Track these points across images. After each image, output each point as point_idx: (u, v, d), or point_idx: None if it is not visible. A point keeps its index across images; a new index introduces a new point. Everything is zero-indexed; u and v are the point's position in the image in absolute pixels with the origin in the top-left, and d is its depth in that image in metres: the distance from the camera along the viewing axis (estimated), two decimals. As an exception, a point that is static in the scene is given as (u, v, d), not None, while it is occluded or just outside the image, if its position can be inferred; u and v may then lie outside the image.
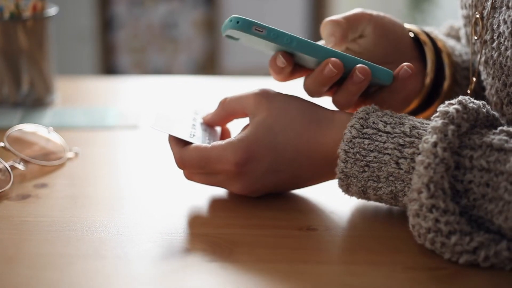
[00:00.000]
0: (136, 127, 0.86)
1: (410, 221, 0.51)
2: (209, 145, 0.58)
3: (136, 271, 0.49)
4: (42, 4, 0.92)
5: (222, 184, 0.59)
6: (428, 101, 0.66)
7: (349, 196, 0.57)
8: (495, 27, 0.58)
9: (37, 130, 0.73)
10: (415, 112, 0.66)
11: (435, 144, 0.49)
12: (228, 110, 0.62)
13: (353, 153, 0.54)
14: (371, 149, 0.54)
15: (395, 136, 0.53)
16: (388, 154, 0.53)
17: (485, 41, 0.59)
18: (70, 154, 0.73)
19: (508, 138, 0.49)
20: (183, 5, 2.94)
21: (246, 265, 0.50)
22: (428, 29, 0.69)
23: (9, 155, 0.67)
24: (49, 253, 0.51)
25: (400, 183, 0.53)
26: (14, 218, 0.57)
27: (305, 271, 0.49)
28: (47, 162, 0.69)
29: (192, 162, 0.58)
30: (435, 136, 0.49)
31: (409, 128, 0.53)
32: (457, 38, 0.74)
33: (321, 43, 0.64)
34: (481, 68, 0.62)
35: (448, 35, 0.75)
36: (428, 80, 0.65)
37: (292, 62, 0.59)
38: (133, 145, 0.81)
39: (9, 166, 0.64)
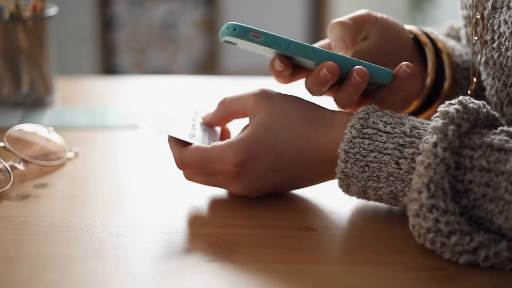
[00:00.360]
0: (136, 127, 0.86)
1: (410, 221, 0.51)
2: (209, 146, 0.58)
3: (136, 271, 0.49)
4: (42, 4, 0.92)
5: (222, 184, 0.59)
6: (429, 101, 0.66)
7: (349, 196, 0.57)
8: (495, 27, 0.58)
9: (37, 130, 0.73)
10: (415, 113, 0.66)
11: (435, 144, 0.49)
12: (228, 110, 0.62)
13: (353, 153, 0.54)
14: (371, 149, 0.54)
15: (395, 136, 0.53)
16: (388, 154, 0.53)
17: (486, 42, 0.59)
18: (70, 154, 0.73)
19: (508, 138, 0.49)
20: (183, 5, 2.94)
21: (246, 265, 0.50)
22: (428, 29, 0.69)
23: (9, 155, 0.67)
24: (49, 253, 0.51)
25: (400, 183, 0.53)
26: (14, 218, 0.57)
27: (305, 271, 0.49)
28: (47, 162, 0.69)
29: (192, 162, 0.58)
30: (435, 136, 0.49)
31: (409, 128, 0.53)
32: (457, 39, 0.74)
33: (318, 44, 0.64)
34: (481, 68, 0.62)
35: (448, 35, 0.75)
36: (428, 80, 0.65)
37: (290, 65, 0.59)
38: (133, 145, 0.81)
39: (9, 166, 0.64)
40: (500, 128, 0.51)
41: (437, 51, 0.66)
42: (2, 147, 0.67)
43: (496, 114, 0.53)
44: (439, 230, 0.49)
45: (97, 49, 2.90)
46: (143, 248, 0.52)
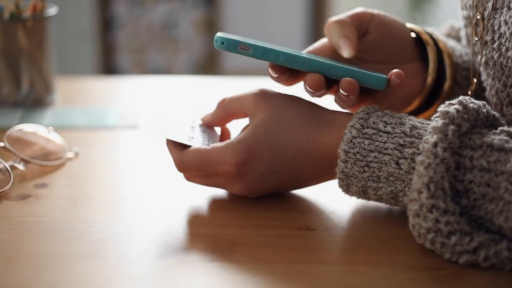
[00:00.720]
0: (136, 127, 0.86)
1: (410, 221, 0.51)
2: (208, 147, 0.58)
3: (136, 271, 0.49)
4: (42, 4, 0.92)
5: (222, 185, 0.59)
6: (429, 101, 0.66)
7: (349, 196, 0.57)
8: (496, 28, 0.58)
9: (37, 130, 0.73)
10: (416, 112, 0.66)
11: (435, 144, 0.49)
12: (227, 110, 0.62)
13: (353, 153, 0.54)
14: (371, 149, 0.54)
15: (395, 136, 0.53)
16: (388, 154, 0.53)
17: (486, 42, 0.59)
18: (70, 154, 0.73)
19: (508, 138, 0.49)
20: (183, 5, 2.93)
21: (245, 265, 0.50)
22: (428, 29, 0.69)
23: (9, 155, 0.67)
24: (49, 253, 0.51)
25: (400, 183, 0.53)
26: (14, 218, 0.57)
27: (304, 271, 0.49)
28: (47, 162, 0.69)
29: (191, 165, 0.58)
30: (435, 136, 0.49)
31: (409, 128, 0.53)
32: (458, 39, 0.74)
33: (312, 47, 0.63)
34: (481, 69, 0.62)
35: (449, 35, 0.75)
36: (429, 80, 0.65)
37: (285, 71, 0.59)
38: (133, 145, 0.81)
39: (9, 166, 0.64)
40: (500, 128, 0.51)
41: (438, 51, 0.66)
42: (2, 147, 0.67)
43: (496, 114, 0.53)
44: (439, 230, 0.49)
45: (97, 49, 2.90)
46: (143, 248, 0.52)
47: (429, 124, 0.53)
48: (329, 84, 0.59)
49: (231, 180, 0.58)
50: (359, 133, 0.54)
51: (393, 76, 0.59)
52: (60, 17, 0.98)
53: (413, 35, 0.66)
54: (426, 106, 0.66)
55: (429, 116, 0.63)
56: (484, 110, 0.52)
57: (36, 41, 0.91)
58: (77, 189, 0.65)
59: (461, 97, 0.52)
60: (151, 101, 1.00)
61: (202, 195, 0.62)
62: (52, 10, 0.94)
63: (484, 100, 0.57)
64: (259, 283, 0.48)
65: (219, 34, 0.57)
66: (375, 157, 0.53)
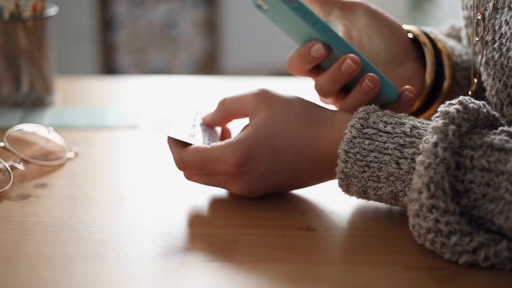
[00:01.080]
0: (136, 127, 0.86)
1: (410, 221, 0.51)
2: (208, 146, 0.58)
3: (136, 271, 0.49)
4: (42, 4, 0.92)
5: (222, 184, 0.59)
6: (429, 101, 0.66)
7: (349, 196, 0.57)
8: (496, 28, 0.58)
9: (37, 130, 0.73)
10: (416, 113, 0.66)
11: (435, 144, 0.49)
12: (228, 110, 0.62)
13: (353, 153, 0.54)
14: (372, 149, 0.54)
15: (396, 136, 0.53)
16: (388, 154, 0.53)
17: (486, 42, 0.59)
18: (70, 154, 0.73)
19: (508, 138, 0.49)
20: (183, 5, 2.94)
21: (245, 265, 0.50)
22: (427, 29, 0.69)
23: (9, 155, 0.67)
24: (49, 253, 0.51)
25: (400, 183, 0.53)
26: (14, 218, 0.57)
27: (304, 271, 0.49)
28: (47, 162, 0.69)
29: (191, 163, 0.58)
30: (435, 136, 0.49)
31: (410, 128, 0.53)
32: (458, 38, 0.74)
33: None
34: (482, 69, 0.62)
35: (449, 35, 0.75)
36: (428, 81, 0.65)
37: (328, 54, 0.58)
38: (133, 145, 0.81)
39: (9, 166, 0.64)
40: (500, 128, 0.51)
41: (437, 51, 0.66)
42: (2, 147, 0.67)
43: (496, 114, 0.53)
44: (439, 230, 0.49)
45: (97, 49, 2.90)
46: (143, 248, 0.52)
47: (429, 124, 0.53)
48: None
49: (231, 179, 0.58)
50: (359, 133, 0.54)
51: (406, 91, 0.59)
52: (60, 17, 0.98)
53: (410, 35, 0.66)
54: (426, 106, 0.66)
55: (429, 117, 0.63)
56: (484, 110, 0.52)
57: (36, 41, 0.91)
58: (77, 189, 0.65)
59: (461, 97, 0.52)
60: (151, 101, 1.00)
61: (202, 195, 0.62)
62: (52, 10, 0.94)
63: (484, 100, 0.57)
64: (259, 283, 0.47)
65: None
66: (375, 157, 0.53)
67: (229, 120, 0.63)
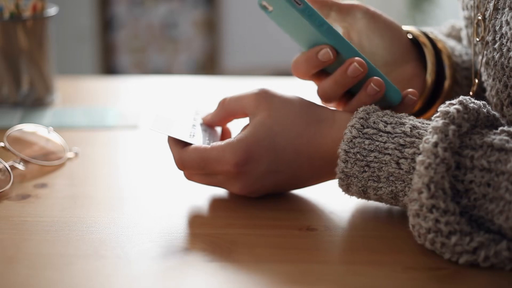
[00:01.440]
0: (136, 127, 0.86)
1: (410, 221, 0.51)
2: (208, 146, 0.58)
3: (136, 271, 0.49)
4: (42, 4, 0.92)
5: (222, 184, 0.59)
6: (429, 102, 0.66)
7: (349, 196, 0.57)
8: (497, 28, 0.58)
9: (37, 130, 0.73)
10: (416, 114, 0.66)
11: (435, 144, 0.49)
12: (228, 110, 0.62)
13: (353, 153, 0.54)
14: (372, 149, 0.54)
15: (396, 136, 0.53)
16: (388, 154, 0.53)
17: (487, 43, 0.59)
18: (70, 154, 0.73)
19: (508, 138, 0.49)
20: (183, 5, 2.94)
21: (245, 265, 0.50)
22: (427, 29, 0.69)
23: (9, 155, 0.67)
24: (49, 253, 0.51)
25: (400, 183, 0.53)
26: (14, 218, 0.57)
27: (304, 271, 0.49)
28: (47, 162, 0.69)
29: (191, 163, 0.58)
30: (435, 136, 0.49)
31: (410, 128, 0.53)
32: (458, 38, 0.74)
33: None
34: (482, 69, 0.62)
35: (449, 35, 0.75)
36: (429, 81, 0.65)
37: (335, 59, 0.59)
38: (133, 145, 0.81)
39: (9, 166, 0.64)
40: (500, 128, 0.51)
41: (437, 51, 0.66)
42: (2, 147, 0.67)
43: (497, 114, 0.53)
44: (439, 230, 0.49)
45: (97, 49, 2.90)
46: (143, 248, 0.52)
47: (429, 124, 0.53)
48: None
49: (231, 179, 0.58)
50: (359, 133, 0.54)
51: (409, 95, 0.59)
52: (60, 17, 0.98)
53: (409, 36, 0.66)
54: (426, 107, 0.66)
55: (430, 117, 0.63)
56: (485, 110, 0.52)
57: (36, 41, 0.91)
58: (77, 189, 0.65)
59: (461, 97, 0.52)
60: (151, 101, 1.00)
61: (202, 195, 0.62)
62: (52, 10, 0.94)
63: (485, 101, 0.57)
64: (259, 283, 0.47)
65: None
66: (375, 157, 0.53)
67: (229, 120, 0.63)
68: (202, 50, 2.99)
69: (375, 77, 0.58)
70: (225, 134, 0.65)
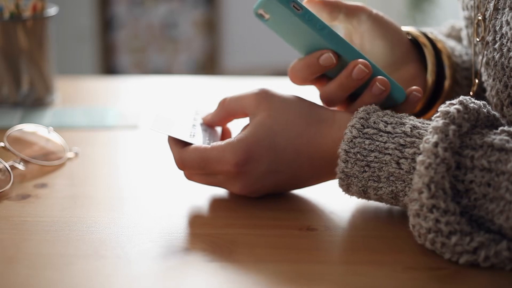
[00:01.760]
0: (136, 127, 0.86)
1: (411, 221, 0.51)
2: (208, 146, 0.58)
3: (136, 271, 0.49)
4: (42, 4, 0.92)
5: (222, 184, 0.59)
6: (430, 102, 0.66)
7: (349, 196, 0.57)
8: (497, 28, 0.58)
9: (37, 130, 0.73)
10: (417, 114, 0.66)
11: (436, 144, 0.49)
12: (228, 110, 0.62)
13: (353, 153, 0.54)
14: (372, 149, 0.54)
15: (396, 136, 0.53)
16: (389, 154, 0.53)
17: (487, 43, 0.59)
18: (70, 154, 0.73)
19: (509, 138, 0.49)
20: (183, 5, 2.94)
21: (246, 265, 0.50)
22: (427, 29, 0.69)
23: (9, 155, 0.67)
24: (49, 253, 0.51)
25: (400, 183, 0.53)
26: (14, 218, 0.57)
27: (305, 271, 0.49)
28: (47, 162, 0.69)
29: (192, 163, 0.58)
30: (436, 136, 0.49)
31: (410, 128, 0.53)
32: (458, 39, 0.74)
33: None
34: (482, 69, 0.62)
35: (449, 35, 0.75)
36: (430, 81, 0.65)
37: (337, 63, 0.58)
38: (133, 145, 0.81)
39: (9, 166, 0.64)
40: (500, 128, 0.51)
41: (437, 51, 0.66)
42: (2, 147, 0.67)
43: (497, 114, 0.53)
44: (440, 230, 0.49)
45: (97, 49, 2.90)
46: (143, 248, 0.52)
47: (429, 124, 0.53)
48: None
49: (231, 179, 0.58)
50: (360, 133, 0.54)
51: (414, 92, 0.59)
52: (60, 17, 0.98)
53: (409, 37, 0.66)
54: (427, 108, 0.66)
55: (431, 117, 0.62)
56: (485, 110, 0.52)
57: (36, 41, 0.91)
58: (77, 189, 0.65)
59: (461, 97, 0.52)
60: (151, 101, 1.00)
61: (202, 195, 0.62)
62: (52, 10, 0.94)
63: (485, 101, 0.57)
64: (259, 283, 0.47)
65: None
66: (375, 157, 0.53)
67: (230, 120, 0.63)
68: (202, 50, 2.99)
69: (379, 77, 0.58)
70: (225, 134, 0.65)
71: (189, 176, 0.60)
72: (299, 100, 0.59)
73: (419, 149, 0.51)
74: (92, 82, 1.20)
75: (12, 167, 0.65)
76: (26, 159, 0.68)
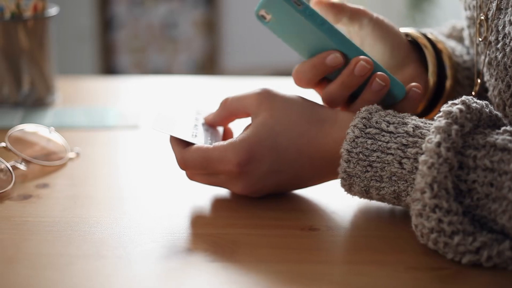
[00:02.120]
0: (137, 127, 0.86)
1: (413, 221, 0.51)
2: (210, 146, 0.58)
3: (138, 271, 0.49)
4: (43, 4, 0.92)
5: (224, 184, 0.59)
6: (432, 103, 0.66)
7: (351, 196, 0.57)
8: (500, 28, 0.58)
9: (38, 130, 0.73)
10: (420, 115, 0.66)
11: (438, 144, 0.49)
12: (230, 110, 0.62)
13: (356, 153, 0.54)
14: (374, 149, 0.53)
15: (398, 136, 0.53)
16: (391, 154, 0.53)
17: (490, 42, 0.59)
18: (71, 154, 0.73)
19: (511, 138, 0.49)
20: (183, 5, 2.94)
21: (247, 265, 0.50)
22: (427, 30, 0.69)
23: (11, 155, 0.67)
24: (50, 253, 0.51)
25: (403, 183, 0.52)
26: (15, 218, 0.57)
27: (306, 271, 0.49)
28: (48, 162, 0.69)
29: (194, 163, 0.58)
30: (438, 136, 0.49)
31: (412, 128, 0.53)
32: (459, 39, 0.74)
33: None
34: (484, 69, 0.62)
35: (450, 35, 0.75)
36: (431, 82, 0.65)
37: (345, 63, 0.58)
38: (134, 145, 0.81)
39: (11, 166, 0.64)
40: (503, 128, 0.50)
41: (437, 52, 0.66)
42: (4, 147, 0.67)
43: (499, 114, 0.53)
44: (442, 230, 0.49)
45: (97, 49, 2.90)
46: (145, 248, 0.52)
47: (431, 124, 0.53)
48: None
49: (233, 179, 0.58)
50: (362, 132, 0.54)
51: (413, 88, 0.59)
52: (60, 17, 0.98)
53: (408, 39, 0.66)
54: (428, 109, 0.66)
55: (433, 118, 0.62)
56: (487, 110, 0.52)
57: (37, 41, 0.91)
58: (79, 189, 0.65)
59: (464, 97, 0.52)
60: (151, 101, 1.00)
61: (204, 195, 0.62)
62: (53, 10, 0.93)
63: (487, 101, 0.57)
64: (261, 283, 0.47)
65: None
66: (378, 156, 0.53)
67: (231, 120, 0.63)
68: (202, 50, 2.99)
69: (379, 73, 0.58)
70: (227, 134, 0.65)
71: (191, 176, 0.60)
72: (301, 100, 0.59)
73: (421, 149, 0.51)
74: (92, 82, 1.20)
75: (14, 167, 0.65)
76: (28, 159, 0.67)
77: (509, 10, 0.57)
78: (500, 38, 0.58)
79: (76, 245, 0.52)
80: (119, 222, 0.56)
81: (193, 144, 0.59)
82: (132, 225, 0.56)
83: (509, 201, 0.47)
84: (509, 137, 0.49)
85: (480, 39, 0.61)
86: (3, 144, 0.67)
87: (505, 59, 0.57)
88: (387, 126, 0.54)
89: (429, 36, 0.66)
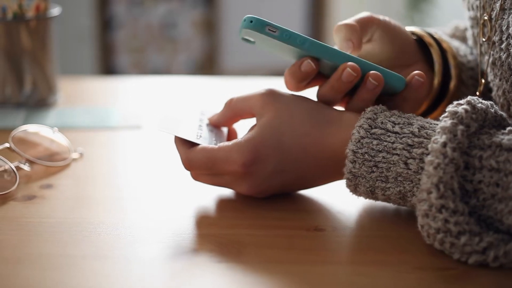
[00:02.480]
0: (140, 127, 0.86)
1: (419, 222, 0.51)
2: (215, 146, 0.58)
3: (144, 272, 0.49)
4: (45, 5, 0.92)
5: (229, 184, 0.59)
6: (435, 103, 0.66)
7: (356, 196, 0.57)
8: (504, 28, 0.58)
9: (41, 130, 0.73)
10: (423, 114, 0.66)
11: (444, 144, 0.49)
12: (235, 110, 0.62)
13: (361, 153, 0.54)
14: (380, 149, 0.54)
15: (404, 136, 0.53)
16: (396, 154, 0.53)
17: (493, 43, 0.59)
18: (75, 155, 0.73)
19: (517, 138, 0.49)
20: (182, 5, 2.93)
21: (253, 266, 0.50)
22: (431, 30, 0.69)
23: (14, 155, 0.67)
24: (54, 253, 0.51)
25: (408, 184, 0.53)
26: (19, 218, 0.57)
27: (312, 272, 0.49)
28: (52, 163, 0.69)
29: (199, 163, 0.58)
30: (444, 136, 0.49)
31: (418, 128, 0.53)
32: (462, 39, 0.74)
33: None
34: (489, 69, 0.62)
35: (453, 35, 0.75)
36: (436, 81, 0.65)
37: (318, 67, 0.59)
38: (138, 146, 0.81)
39: (15, 167, 0.64)
40: (508, 128, 0.51)
41: (442, 51, 0.66)
42: (7, 147, 0.67)
43: (504, 114, 0.53)
44: (449, 230, 0.49)
45: (97, 49, 2.90)
46: (150, 249, 0.52)
47: (437, 124, 0.53)
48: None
49: (238, 179, 0.58)
50: (367, 133, 0.54)
51: (416, 76, 0.59)
52: (60, 17, 0.98)
53: (414, 37, 0.66)
54: (432, 108, 0.66)
55: (436, 117, 0.63)
56: (492, 110, 0.52)
57: (39, 41, 0.91)
58: (83, 189, 0.65)
59: (469, 97, 0.52)
60: (153, 101, 1.00)
61: (209, 196, 0.62)
62: (55, 11, 0.93)
63: (491, 101, 0.57)
64: (267, 283, 0.47)
65: (248, 15, 0.57)
66: (383, 157, 0.53)
67: (236, 120, 0.63)
68: (201, 50, 2.99)
69: (372, 72, 0.58)
70: (232, 134, 0.65)
71: (195, 177, 0.60)
72: (306, 100, 0.59)
73: (427, 149, 0.51)
74: (93, 82, 1.20)
75: (18, 168, 0.65)
76: (32, 160, 0.67)
77: (513, 10, 0.57)
78: (504, 38, 0.58)
79: (81, 246, 0.52)
80: (123, 223, 0.56)
81: (198, 144, 0.59)
82: (136, 226, 0.56)
83: (515, 201, 0.47)
84: (514, 137, 0.49)
85: (484, 39, 0.61)
86: (7, 145, 0.67)
87: (509, 59, 0.57)
88: (393, 127, 0.54)
89: (434, 35, 0.66)
